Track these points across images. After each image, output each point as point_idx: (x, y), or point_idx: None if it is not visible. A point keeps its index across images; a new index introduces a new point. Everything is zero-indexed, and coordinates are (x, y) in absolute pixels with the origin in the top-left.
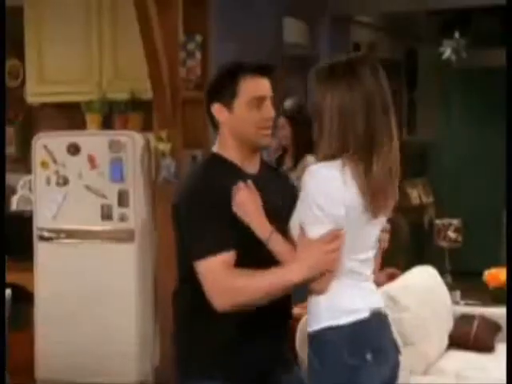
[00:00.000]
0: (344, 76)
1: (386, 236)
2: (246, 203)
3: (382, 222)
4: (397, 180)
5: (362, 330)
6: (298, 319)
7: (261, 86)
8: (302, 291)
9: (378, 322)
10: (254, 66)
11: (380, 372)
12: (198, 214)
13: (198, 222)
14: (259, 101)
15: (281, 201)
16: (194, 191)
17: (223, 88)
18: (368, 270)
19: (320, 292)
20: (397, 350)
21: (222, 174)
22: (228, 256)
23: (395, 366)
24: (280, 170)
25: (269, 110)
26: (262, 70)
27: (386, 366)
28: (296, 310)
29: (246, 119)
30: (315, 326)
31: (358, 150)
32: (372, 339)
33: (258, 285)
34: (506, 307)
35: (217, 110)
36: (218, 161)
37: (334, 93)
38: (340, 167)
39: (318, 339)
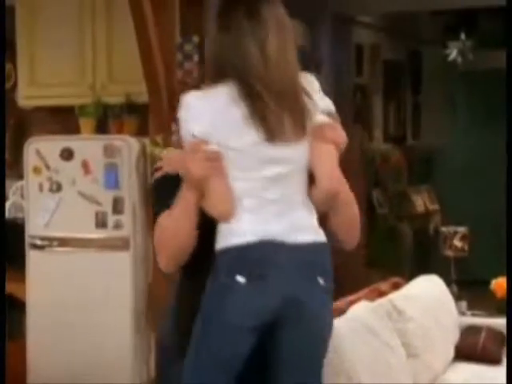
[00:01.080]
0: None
1: (331, 128)
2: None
3: (293, 146)
4: (299, 108)
5: (244, 253)
6: None
7: None
8: None
9: (268, 249)
10: None
11: (255, 299)
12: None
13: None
14: None
15: None
16: None
17: None
18: (275, 193)
19: (225, 218)
20: (315, 288)
21: None
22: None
23: (296, 302)
24: None
25: None
26: None
27: (270, 296)
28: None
29: None
30: (215, 249)
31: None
32: (252, 264)
33: (167, 224)
34: (506, 313)
35: None
36: None
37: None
38: (218, 92)
39: (215, 261)
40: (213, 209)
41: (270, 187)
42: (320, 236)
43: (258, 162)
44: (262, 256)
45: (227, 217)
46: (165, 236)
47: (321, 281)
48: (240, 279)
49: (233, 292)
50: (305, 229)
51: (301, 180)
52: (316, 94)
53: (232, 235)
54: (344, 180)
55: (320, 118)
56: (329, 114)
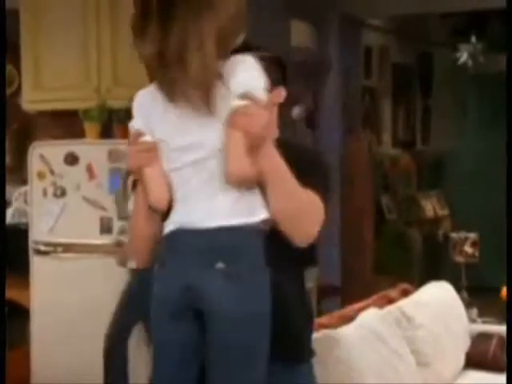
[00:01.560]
0: None
1: (242, 115)
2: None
3: (199, 115)
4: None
5: (163, 242)
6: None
7: None
8: (330, 301)
9: (177, 237)
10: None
11: (161, 287)
12: None
13: None
14: None
15: None
16: None
17: None
18: (196, 181)
19: (158, 206)
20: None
21: None
22: None
23: (192, 289)
24: None
25: None
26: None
27: (169, 283)
28: (323, 320)
29: None
30: None
31: None
32: (162, 253)
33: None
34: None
35: None
36: None
37: None
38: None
39: None
40: (148, 197)
41: (191, 175)
42: (236, 219)
43: (176, 151)
44: (170, 244)
45: (159, 205)
46: (129, 230)
47: (221, 265)
48: (156, 268)
49: (153, 280)
50: (219, 213)
51: (222, 164)
52: (238, 75)
53: (165, 226)
54: (280, 167)
55: (235, 103)
56: (248, 97)
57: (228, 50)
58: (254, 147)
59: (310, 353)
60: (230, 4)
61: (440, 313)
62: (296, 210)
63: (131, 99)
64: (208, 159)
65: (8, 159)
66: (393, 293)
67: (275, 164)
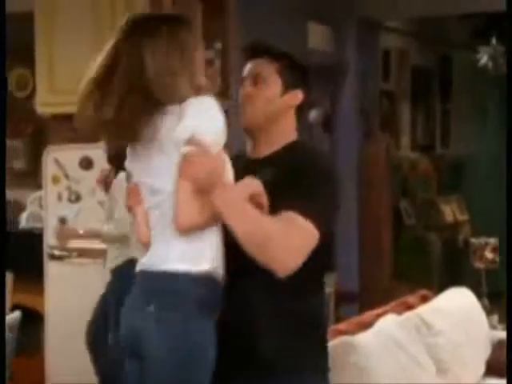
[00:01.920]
0: None
1: (187, 164)
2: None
3: (151, 153)
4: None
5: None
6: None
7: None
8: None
9: (135, 279)
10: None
11: (121, 326)
12: None
13: None
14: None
15: None
16: None
17: None
18: (156, 224)
19: (142, 245)
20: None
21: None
22: None
23: (131, 330)
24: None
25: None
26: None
27: (124, 326)
28: (341, 326)
29: None
30: None
31: None
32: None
33: None
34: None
35: None
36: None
37: None
38: None
39: None
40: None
41: (156, 217)
42: (182, 266)
43: (145, 193)
44: (130, 285)
45: (141, 241)
46: None
47: (152, 309)
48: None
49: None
50: (168, 258)
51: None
52: (186, 119)
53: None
54: (234, 204)
55: (182, 150)
56: (194, 143)
57: (162, 99)
58: (203, 192)
59: (305, 364)
60: (149, 68)
61: (460, 319)
62: (259, 239)
63: None
64: (165, 202)
65: (22, 163)
66: (412, 299)
67: (229, 202)
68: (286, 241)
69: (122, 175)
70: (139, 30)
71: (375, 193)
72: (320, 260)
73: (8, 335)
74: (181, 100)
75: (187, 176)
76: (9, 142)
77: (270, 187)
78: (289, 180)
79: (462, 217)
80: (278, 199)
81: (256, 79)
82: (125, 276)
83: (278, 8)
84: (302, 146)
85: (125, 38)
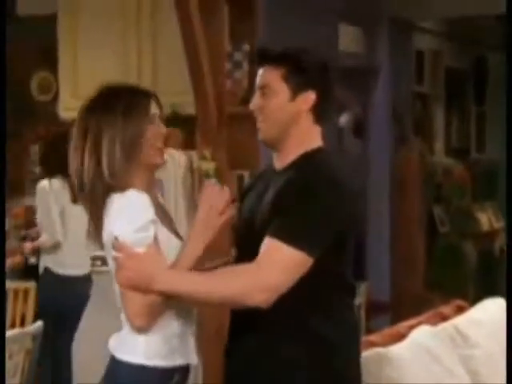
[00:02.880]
0: None
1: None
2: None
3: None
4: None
5: None
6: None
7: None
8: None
9: None
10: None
11: None
12: None
13: None
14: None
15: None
16: None
17: None
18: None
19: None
20: None
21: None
22: None
23: None
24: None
25: (252, 102)
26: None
27: None
28: (373, 338)
29: None
30: None
31: None
32: None
33: None
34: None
35: None
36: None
37: None
38: None
39: None
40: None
41: None
42: (115, 352)
43: None
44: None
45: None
46: None
47: None
48: None
49: None
50: (115, 342)
51: None
52: (107, 224)
53: None
54: (181, 287)
55: (112, 254)
56: (117, 248)
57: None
58: (143, 290)
59: None
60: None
61: (496, 331)
62: (220, 293)
63: (173, 106)
64: None
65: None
66: (446, 310)
67: (173, 283)
68: (253, 277)
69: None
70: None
71: (408, 200)
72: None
73: (32, 345)
74: (120, 189)
75: (119, 282)
76: (31, 148)
77: (270, 206)
78: (281, 198)
79: (499, 224)
80: (270, 220)
81: (263, 89)
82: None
83: (308, 9)
84: (315, 156)
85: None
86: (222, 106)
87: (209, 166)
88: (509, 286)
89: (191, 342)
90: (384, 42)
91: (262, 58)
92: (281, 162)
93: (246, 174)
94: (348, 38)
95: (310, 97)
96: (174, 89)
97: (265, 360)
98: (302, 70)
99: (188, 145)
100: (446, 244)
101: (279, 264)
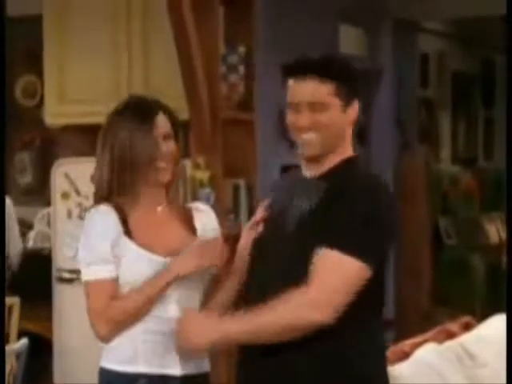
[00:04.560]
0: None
1: None
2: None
3: None
4: None
5: None
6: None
7: (297, 90)
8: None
9: None
10: (296, 65)
11: None
12: None
13: None
14: (295, 106)
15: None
16: None
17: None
18: None
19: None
20: None
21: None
22: None
23: None
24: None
25: (300, 119)
26: (302, 72)
27: None
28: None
29: (288, 124)
30: None
31: None
32: None
33: None
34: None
35: None
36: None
37: None
38: None
39: None
40: None
41: None
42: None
43: None
44: None
45: None
46: None
47: None
48: None
49: None
50: None
51: None
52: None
53: None
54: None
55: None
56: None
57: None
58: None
59: None
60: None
61: (505, 349)
62: (273, 331)
63: None
64: None
65: (29, 178)
66: (453, 326)
67: (229, 336)
68: (304, 295)
69: None
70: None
71: (413, 210)
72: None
73: (16, 363)
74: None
75: (180, 344)
76: (15, 156)
77: (317, 215)
78: (331, 207)
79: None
80: (317, 230)
81: (314, 106)
82: None
83: (307, 9)
84: (355, 164)
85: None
86: (216, 111)
87: (203, 174)
88: (509, 300)
89: (171, 353)
90: (387, 44)
91: (304, 69)
92: (314, 170)
93: (242, 183)
94: (349, 40)
95: (356, 106)
96: (166, 93)
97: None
98: (351, 81)
99: (181, 152)
100: (452, 257)
101: (339, 276)
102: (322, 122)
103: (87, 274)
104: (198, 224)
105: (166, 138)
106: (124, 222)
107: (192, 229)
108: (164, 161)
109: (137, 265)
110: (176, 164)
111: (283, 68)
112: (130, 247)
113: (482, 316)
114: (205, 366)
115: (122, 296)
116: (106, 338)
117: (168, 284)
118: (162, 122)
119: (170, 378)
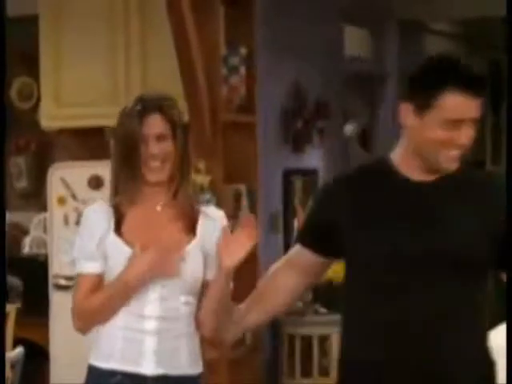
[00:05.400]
0: None
1: None
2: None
3: None
4: None
5: None
6: None
7: (466, 106)
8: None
9: None
10: (467, 79)
11: None
12: None
13: None
14: (457, 123)
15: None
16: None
17: (421, 89)
18: None
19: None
20: None
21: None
22: None
23: None
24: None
25: (463, 136)
26: (474, 88)
27: None
28: None
29: (434, 138)
30: None
31: None
32: None
33: None
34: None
35: (404, 109)
36: (377, 165)
37: None
38: None
39: None
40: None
41: None
42: None
43: None
44: None
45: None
46: None
47: None
48: None
49: None
50: None
51: None
52: None
53: None
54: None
55: None
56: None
57: None
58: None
59: None
60: None
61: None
62: None
63: None
64: None
65: (25, 183)
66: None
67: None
68: None
69: None
70: None
71: None
72: None
73: (11, 372)
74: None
75: None
76: (10, 159)
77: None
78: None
79: None
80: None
81: (475, 123)
82: None
83: (310, 9)
84: (468, 167)
85: None
86: (217, 113)
87: (203, 179)
88: (509, 289)
89: (146, 352)
90: (393, 45)
91: (480, 86)
92: (425, 174)
93: (244, 188)
94: (354, 41)
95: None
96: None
97: None
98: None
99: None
100: None
101: None
102: (472, 138)
103: (75, 268)
104: (199, 229)
105: (159, 138)
106: (118, 220)
107: (192, 232)
108: (156, 161)
109: (122, 263)
110: (174, 164)
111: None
112: (117, 245)
113: (491, 324)
114: (186, 367)
115: (97, 292)
116: (81, 330)
117: (127, 286)
118: (154, 123)
119: (142, 377)
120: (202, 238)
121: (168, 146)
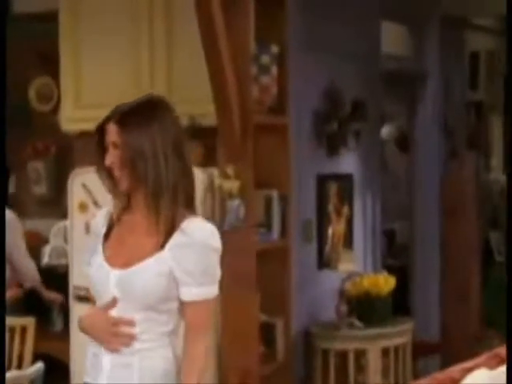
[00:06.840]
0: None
1: None
2: None
3: None
4: None
5: None
6: None
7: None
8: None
9: None
10: None
11: None
12: None
13: None
14: None
15: None
16: None
17: None
18: None
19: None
20: None
21: None
22: None
23: None
24: None
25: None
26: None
27: None
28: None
29: None
30: None
31: None
32: None
33: None
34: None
35: None
36: None
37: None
38: None
39: None
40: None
41: None
42: None
43: None
44: None
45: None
46: None
47: None
48: None
49: None
50: None
51: None
52: None
53: None
54: None
55: None
56: None
57: None
58: None
59: None
60: None
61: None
62: None
63: (190, 117)
64: None
65: (44, 189)
66: (505, 350)
67: None
68: None
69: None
70: None
71: (461, 224)
72: None
73: None
74: None
75: None
76: (29, 164)
77: None
78: None
79: None
80: None
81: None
82: None
83: (345, 5)
84: None
85: None
86: (247, 115)
87: (232, 184)
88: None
89: (102, 363)
90: (433, 42)
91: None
92: None
93: (275, 194)
94: (392, 39)
95: None
96: (191, 97)
97: None
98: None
99: (208, 161)
100: (503, 275)
101: None
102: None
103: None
104: (170, 243)
105: (113, 146)
106: (110, 227)
107: (162, 245)
108: (114, 169)
109: (95, 271)
110: (134, 173)
111: None
112: (97, 254)
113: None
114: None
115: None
116: None
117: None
118: (111, 130)
119: None
120: (169, 254)
121: (119, 154)
